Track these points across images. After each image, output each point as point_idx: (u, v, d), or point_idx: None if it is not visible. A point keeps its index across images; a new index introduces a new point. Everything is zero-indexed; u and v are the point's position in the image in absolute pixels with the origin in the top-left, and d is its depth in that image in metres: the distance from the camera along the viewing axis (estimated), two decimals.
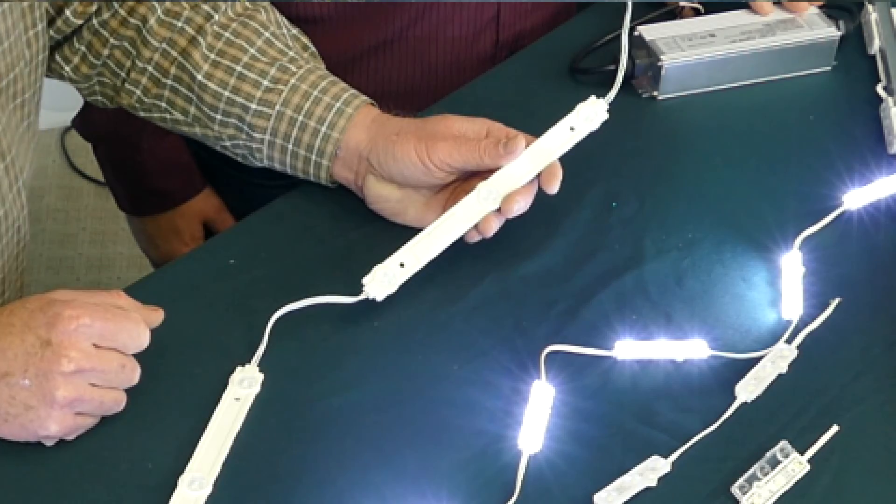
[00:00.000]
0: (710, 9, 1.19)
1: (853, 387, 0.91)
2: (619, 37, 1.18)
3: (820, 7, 1.19)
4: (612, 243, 1.01)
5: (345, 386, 0.90)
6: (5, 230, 0.94)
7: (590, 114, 0.99)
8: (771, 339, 0.93)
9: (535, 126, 1.12)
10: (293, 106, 0.99)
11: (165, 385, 0.89)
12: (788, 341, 0.93)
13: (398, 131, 0.98)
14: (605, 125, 1.04)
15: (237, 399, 0.88)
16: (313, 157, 1.00)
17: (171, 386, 0.89)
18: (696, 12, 1.20)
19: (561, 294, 0.97)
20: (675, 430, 0.87)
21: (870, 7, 1.21)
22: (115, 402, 0.85)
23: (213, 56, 1.00)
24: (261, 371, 0.89)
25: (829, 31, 1.17)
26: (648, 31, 1.15)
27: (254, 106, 1.00)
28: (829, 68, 1.18)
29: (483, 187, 0.96)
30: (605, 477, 0.84)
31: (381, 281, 0.92)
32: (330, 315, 0.93)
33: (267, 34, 1.02)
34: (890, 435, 0.88)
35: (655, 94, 1.14)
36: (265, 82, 1.00)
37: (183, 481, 0.82)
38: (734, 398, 0.89)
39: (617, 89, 0.99)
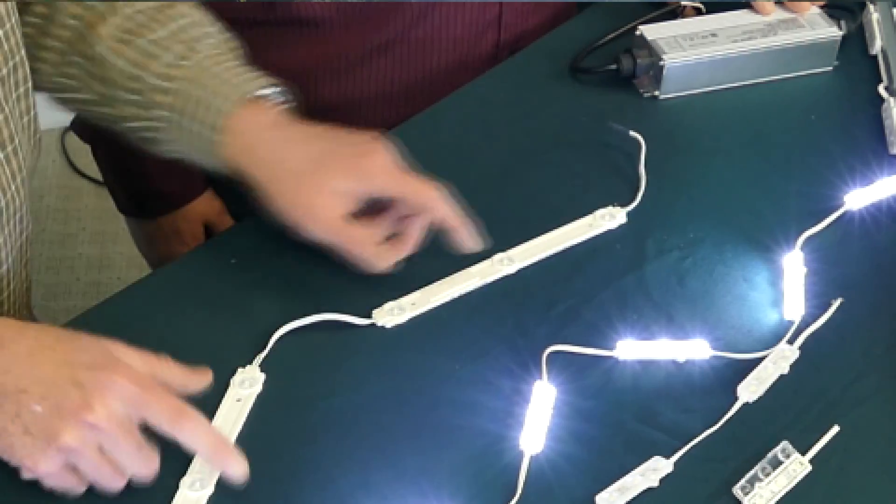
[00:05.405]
0: (712, 8, 1.19)
1: (855, 387, 0.91)
2: (619, 37, 1.18)
3: (821, 7, 1.18)
4: (613, 243, 1.01)
5: (346, 386, 0.90)
6: (6, 220, 0.93)
7: (608, 217, 1.02)
8: (772, 340, 0.93)
9: (536, 125, 1.12)
10: (193, 82, 0.93)
11: None
12: (790, 342, 0.93)
13: (273, 176, 0.93)
14: (606, 125, 1.04)
15: (238, 400, 0.88)
16: (206, 133, 0.93)
17: None
18: (698, 12, 1.20)
19: (562, 294, 0.97)
20: (676, 431, 0.87)
21: (871, 7, 1.21)
22: (112, 478, 0.80)
23: (119, 33, 0.95)
24: (262, 371, 0.89)
25: (831, 31, 1.17)
26: (650, 31, 1.15)
27: (153, 81, 0.94)
28: (830, 68, 1.18)
29: (498, 255, 0.98)
30: (607, 477, 0.84)
31: (391, 313, 0.94)
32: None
33: (182, 22, 0.97)
34: (891, 435, 0.88)
35: (657, 93, 1.14)
36: (169, 58, 0.94)
37: (184, 483, 0.82)
38: (736, 398, 0.89)
39: (637, 202, 1.02)
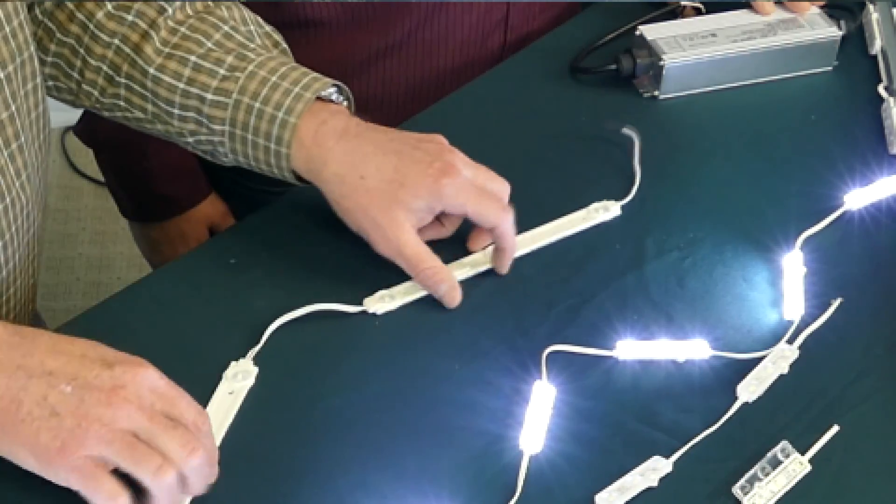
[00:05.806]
0: (712, 8, 1.19)
1: (854, 387, 0.91)
2: (619, 36, 1.18)
3: (821, 7, 1.19)
4: (613, 243, 1.01)
5: (345, 386, 0.90)
6: (13, 217, 0.92)
7: (601, 210, 1.03)
8: (772, 340, 0.93)
9: (536, 125, 1.12)
10: (250, 93, 0.93)
11: None
12: (790, 341, 0.93)
13: (345, 192, 0.94)
14: (601, 123, 1.04)
15: (231, 393, 0.87)
16: (272, 146, 0.94)
17: None
18: (698, 12, 1.20)
19: (562, 294, 0.97)
20: (676, 431, 0.87)
21: (871, 7, 1.21)
22: (155, 464, 0.75)
23: (166, 50, 0.95)
24: (261, 370, 0.89)
25: (831, 31, 1.17)
26: (650, 31, 1.15)
27: (210, 96, 0.94)
28: (830, 68, 1.18)
29: (490, 247, 0.98)
30: (607, 477, 0.84)
31: (381, 300, 0.94)
32: (330, 315, 0.93)
33: (226, 28, 0.97)
34: (891, 435, 0.88)
35: (656, 93, 1.14)
36: (221, 71, 0.94)
37: None
38: (735, 398, 0.89)
39: (632, 195, 1.03)
